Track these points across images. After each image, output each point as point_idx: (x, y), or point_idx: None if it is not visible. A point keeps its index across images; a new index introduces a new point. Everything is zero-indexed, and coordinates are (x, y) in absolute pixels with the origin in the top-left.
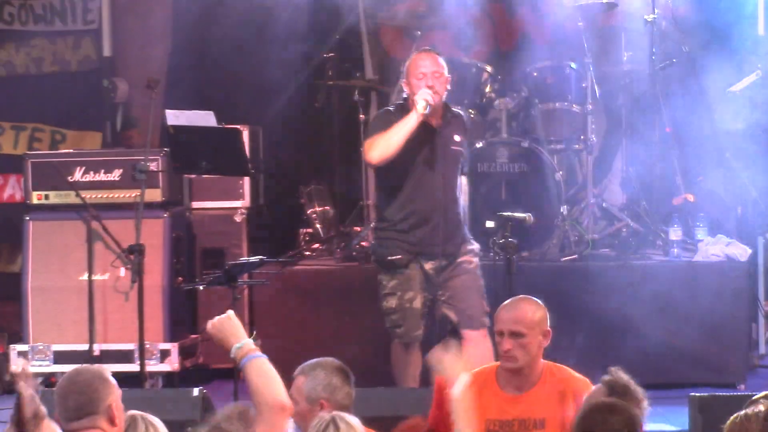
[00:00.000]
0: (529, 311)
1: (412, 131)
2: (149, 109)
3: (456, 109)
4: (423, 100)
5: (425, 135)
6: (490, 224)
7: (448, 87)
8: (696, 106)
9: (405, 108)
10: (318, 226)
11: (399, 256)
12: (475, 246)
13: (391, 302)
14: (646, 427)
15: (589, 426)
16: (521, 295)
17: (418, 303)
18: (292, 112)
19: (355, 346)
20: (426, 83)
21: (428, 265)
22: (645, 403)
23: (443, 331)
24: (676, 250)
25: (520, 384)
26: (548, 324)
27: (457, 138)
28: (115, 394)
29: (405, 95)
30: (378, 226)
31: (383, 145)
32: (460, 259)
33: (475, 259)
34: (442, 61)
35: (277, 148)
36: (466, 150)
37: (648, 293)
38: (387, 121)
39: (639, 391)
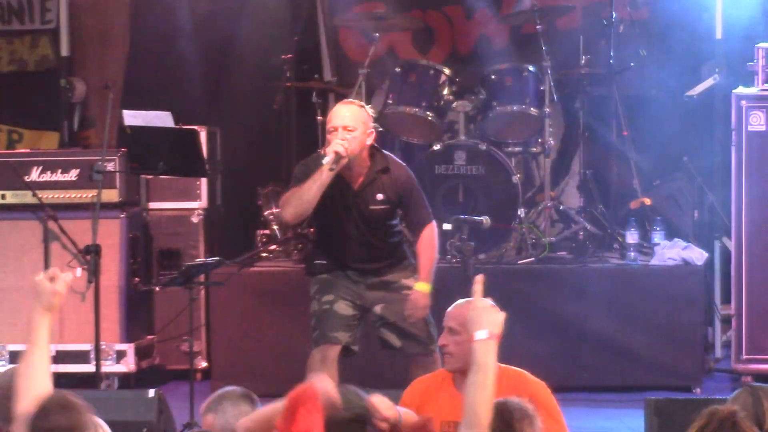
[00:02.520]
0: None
1: (325, 186)
2: (106, 110)
3: (394, 162)
4: (332, 153)
5: (341, 192)
6: (447, 226)
7: (369, 141)
8: (653, 109)
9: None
10: (275, 227)
11: (323, 261)
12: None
13: (312, 308)
14: (603, 430)
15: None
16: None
17: (340, 307)
18: (249, 113)
19: (311, 347)
20: (336, 138)
21: (357, 277)
22: (537, 422)
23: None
24: (632, 253)
25: None
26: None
27: (379, 197)
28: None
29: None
30: (311, 244)
31: (296, 204)
32: (397, 285)
33: (413, 280)
34: (362, 113)
35: (234, 150)
36: (410, 203)
37: (605, 296)
38: (303, 175)
39: (528, 409)
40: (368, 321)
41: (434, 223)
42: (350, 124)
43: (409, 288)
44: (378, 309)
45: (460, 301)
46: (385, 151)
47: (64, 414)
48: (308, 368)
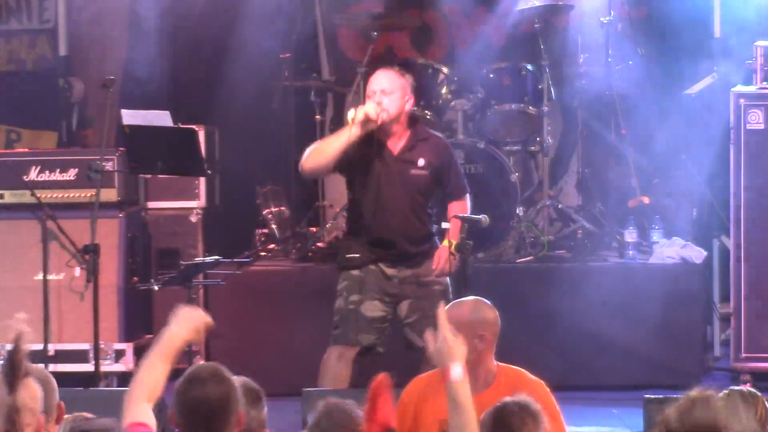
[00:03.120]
0: (465, 311)
1: (348, 144)
2: (105, 109)
3: (433, 133)
4: (359, 112)
5: (382, 156)
6: (446, 225)
7: (408, 107)
8: (652, 108)
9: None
10: (274, 226)
11: (356, 255)
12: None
13: (336, 304)
14: (602, 429)
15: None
16: (473, 297)
17: (367, 308)
18: (248, 112)
19: (309, 347)
20: (373, 100)
21: (389, 270)
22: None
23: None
24: (631, 252)
25: (473, 385)
26: (490, 329)
27: (421, 162)
28: (57, 393)
29: None
30: (344, 233)
31: (315, 156)
32: (427, 279)
33: (445, 279)
34: (399, 79)
35: (233, 149)
36: (449, 171)
37: (603, 295)
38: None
39: (529, 409)
40: (395, 320)
41: (469, 197)
42: (387, 87)
43: (440, 284)
44: (405, 304)
45: (456, 302)
46: (428, 127)
47: (220, 386)
48: (323, 364)
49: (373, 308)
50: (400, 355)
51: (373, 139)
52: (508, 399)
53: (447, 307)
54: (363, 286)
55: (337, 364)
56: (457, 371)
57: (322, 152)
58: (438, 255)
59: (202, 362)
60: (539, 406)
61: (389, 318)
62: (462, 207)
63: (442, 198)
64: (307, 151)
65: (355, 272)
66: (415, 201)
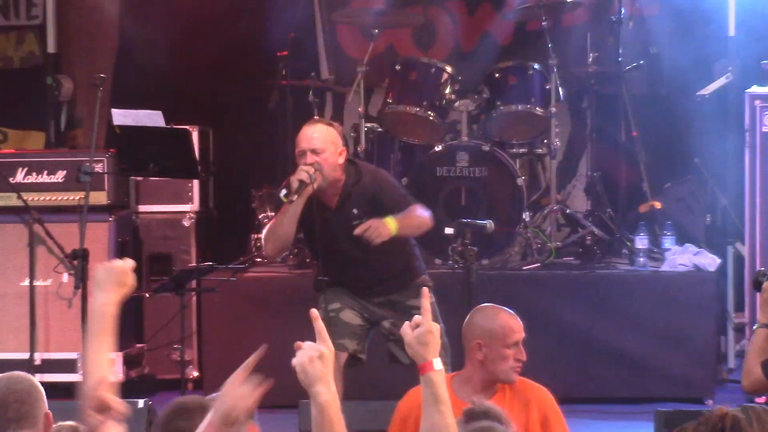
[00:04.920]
0: (514, 316)
1: (297, 216)
2: (95, 108)
3: (362, 170)
4: (293, 182)
5: (326, 217)
6: (449, 231)
7: (341, 160)
8: (664, 109)
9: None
10: None
11: (327, 278)
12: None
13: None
14: None
15: None
16: (491, 304)
17: (346, 315)
18: (243, 112)
19: None
20: (304, 161)
21: (364, 301)
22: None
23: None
24: (642, 259)
25: (479, 393)
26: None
27: (355, 212)
28: (46, 403)
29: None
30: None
31: (273, 240)
32: (407, 303)
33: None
34: (330, 132)
35: (228, 150)
36: (383, 201)
37: (613, 304)
38: (279, 206)
39: (502, 414)
40: (377, 332)
41: (419, 206)
42: (318, 146)
43: (418, 308)
44: (386, 324)
45: (507, 312)
46: (361, 162)
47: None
48: None
49: (353, 316)
50: (385, 367)
51: (310, 199)
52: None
53: (511, 317)
54: (340, 296)
55: None
56: (439, 364)
57: (276, 234)
58: (371, 222)
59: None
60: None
61: (368, 327)
62: (413, 209)
63: None
64: (263, 238)
65: (334, 287)
66: (371, 250)
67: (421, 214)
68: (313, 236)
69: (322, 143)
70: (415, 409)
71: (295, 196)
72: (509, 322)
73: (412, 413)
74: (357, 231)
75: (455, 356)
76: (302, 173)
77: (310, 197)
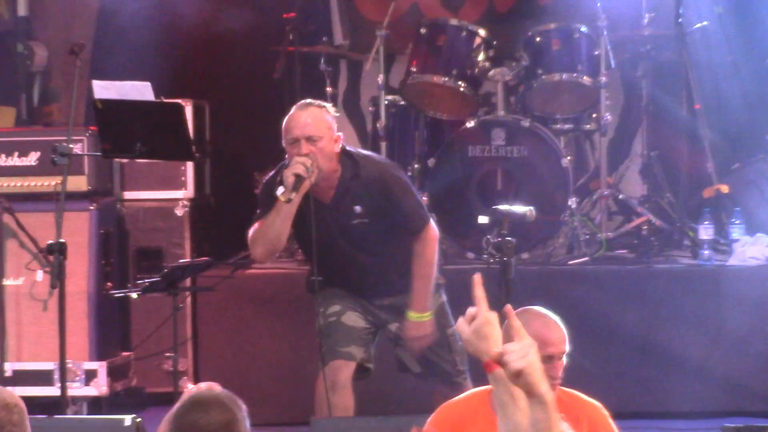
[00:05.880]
0: (557, 324)
1: (291, 216)
2: (73, 80)
3: (363, 162)
4: (291, 177)
5: (320, 213)
6: (483, 220)
7: (338, 149)
8: (730, 79)
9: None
10: None
11: (321, 278)
12: (440, 281)
13: (316, 325)
14: None
15: None
16: (534, 308)
17: (349, 318)
18: (245, 84)
19: (319, 365)
20: (298, 151)
21: (365, 302)
22: None
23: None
24: (707, 251)
25: None
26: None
27: (357, 209)
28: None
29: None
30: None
31: (262, 242)
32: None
33: (440, 298)
34: (324, 116)
35: (226, 128)
36: (394, 207)
37: (673, 304)
38: (268, 202)
39: None
40: (383, 337)
41: (431, 226)
42: (314, 134)
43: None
44: (393, 327)
45: (543, 320)
46: (354, 149)
47: (225, 413)
48: (316, 393)
49: (356, 319)
50: (394, 379)
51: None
52: None
53: (554, 330)
54: (339, 297)
55: (333, 396)
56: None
57: (267, 237)
58: (410, 331)
59: (202, 384)
60: None
61: (374, 331)
62: (421, 248)
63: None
64: (251, 240)
65: (328, 288)
66: (370, 252)
67: (430, 258)
68: (304, 233)
69: (317, 129)
70: (448, 427)
71: (293, 194)
72: (542, 332)
73: (446, 430)
74: (412, 351)
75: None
76: (298, 166)
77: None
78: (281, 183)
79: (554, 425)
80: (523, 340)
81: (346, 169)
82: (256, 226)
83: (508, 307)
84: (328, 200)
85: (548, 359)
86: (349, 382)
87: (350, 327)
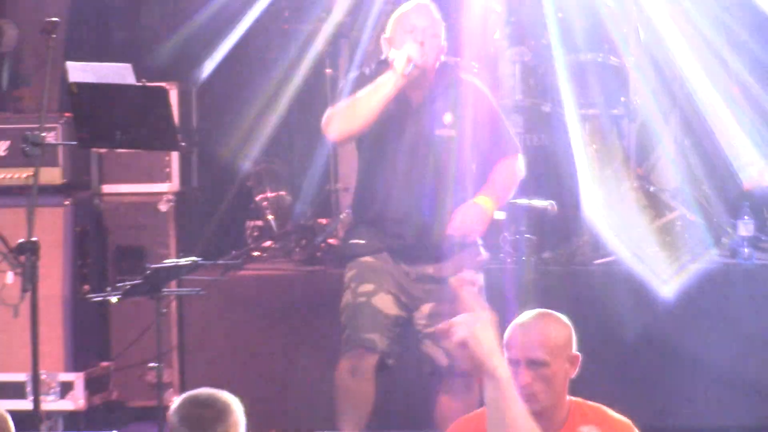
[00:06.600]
0: (553, 331)
1: (388, 100)
2: (46, 62)
3: (465, 76)
4: (406, 57)
5: (402, 113)
6: (500, 215)
7: (443, 57)
8: None
9: (385, 70)
10: (270, 217)
11: (363, 241)
12: (483, 257)
13: (343, 300)
14: None
15: None
16: (539, 310)
17: (380, 301)
18: (234, 65)
19: (319, 376)
20: (415, 39)
21: (406, 267)
22: None
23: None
24: (747, 249)
25: (545, 426)
26: (575, 347)
27: (448, 118)
28: None
29: (384, 57)
30: (350, 219)
31: (347, 117)
32: (455, 277)
33: (479, 279)
34: (438, 17)
35: (215, 114)
36: (489, 125)
37: (708, 306)
38: (359, 86)
39: None
40: (410, 333)
41: (521, 158)
42: (434, 28)
43: (471, 284)
44: (426, 309)
45: (520, 320)
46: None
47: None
48: (336, 385)
49: (389, 303)
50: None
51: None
52: None
53: (520, 331)
54: (376, 273)
55: (352, 381)
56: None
57: (356, 113)
58: (461, 212)
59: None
60: None
61: (403, 322)
62: (509, 168)
63: (483, 161)
64: (336, 110)
65: (366, 258)
66: (444, 171)
67: (516, 174)
68: (378, 144)
69: (434, 25)
70: None
71: (410, 69)
72: (508, 333)
73: None
74: (451, 231)
75: None
76: (413, 50)
77: None
78: (377, 72)
79: (511, 404)
80: (475, 313)
81: (441, 77)
82: (340, 104)
83: (455, 278)
84: (416, 103)
85: (514, 364)
86: (371, 371)
87: (379, 311)
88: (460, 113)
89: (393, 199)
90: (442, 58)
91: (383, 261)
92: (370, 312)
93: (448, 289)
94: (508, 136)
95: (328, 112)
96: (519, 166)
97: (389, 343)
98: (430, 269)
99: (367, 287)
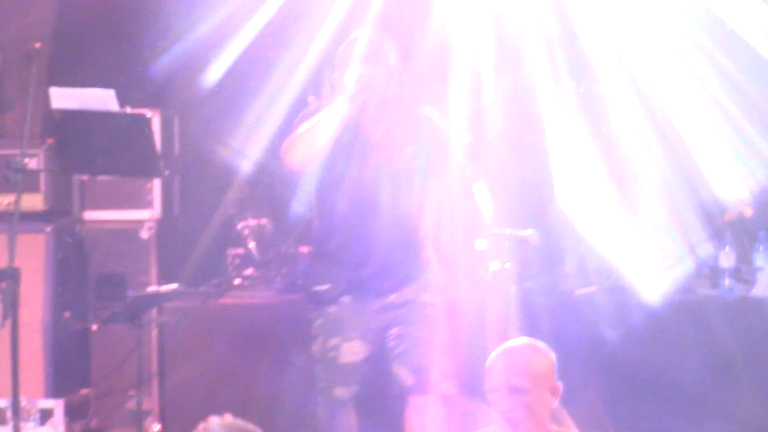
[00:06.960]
0: (534, 359)
1: (343, 124)
2: (28, 87)
3: (421, 110)
4: (355, 77)
5: (361, 148)
6: (481, 245)
7: (397, 79)
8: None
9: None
10: (252, 245)
11: (327, 286)
12: (440, 281)
13: (313, 347)
14: None
15: None
16: (522, 338)
17: (346, 354)
18: (217, 93)
19: (299, 404)
20: (364, 61)
21: (370, 301)
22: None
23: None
24: (728, 281)
25: None
26: (556, 376)
27: (407, 151)
28: None
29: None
30: (312, 250)
31: (304, 144)
32: (419, 300)
33: (438, 301)
34: (389, 47)
35: (198, 141)
36: (446, 159)
37: (692, 338)
38: (309, 116)
39: None
40: (382, 356)
41: (479, 190)
42: (376, 50)
43: (431, 307)
44: (393, 332)
45: (503, 348)
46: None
47: None
48: (316, 422)
49: (353, 351)
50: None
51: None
52: None
53: (502, 358)
54: (341, 324)
55: (331, 423)
56: None
57: (312, 139)
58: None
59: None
60: None
61: (373, 354)
62: (473, 212)
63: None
64: (288, 144)
65: (330, 309)
66: (403, 203)
67: (481, 212)
68: (335, 177)
69: (386, 51)
70: None
71: (359, 97)
72: (493, 361)
73: None
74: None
75: None
76: (360, 70)
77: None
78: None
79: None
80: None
81: (401, 107)
82: (301, 129)
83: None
84: (374, 136)
85: (496, 390)
86: (347, 411)
87: (347, 364)
88: (420, 146)
89: (353, 233)
90: (402, 94)
91: (346, 308)
92: (338, 368)
93: (412, 310)
94: (465, 170)
95: (285, 141)
96: (478, 207)
97: (363, 382)
98: (392, 297)
99: (333, 341)
